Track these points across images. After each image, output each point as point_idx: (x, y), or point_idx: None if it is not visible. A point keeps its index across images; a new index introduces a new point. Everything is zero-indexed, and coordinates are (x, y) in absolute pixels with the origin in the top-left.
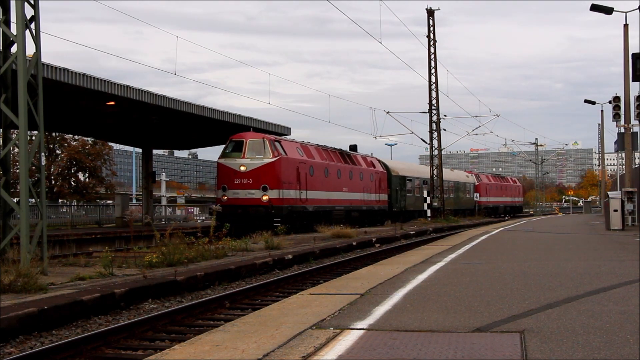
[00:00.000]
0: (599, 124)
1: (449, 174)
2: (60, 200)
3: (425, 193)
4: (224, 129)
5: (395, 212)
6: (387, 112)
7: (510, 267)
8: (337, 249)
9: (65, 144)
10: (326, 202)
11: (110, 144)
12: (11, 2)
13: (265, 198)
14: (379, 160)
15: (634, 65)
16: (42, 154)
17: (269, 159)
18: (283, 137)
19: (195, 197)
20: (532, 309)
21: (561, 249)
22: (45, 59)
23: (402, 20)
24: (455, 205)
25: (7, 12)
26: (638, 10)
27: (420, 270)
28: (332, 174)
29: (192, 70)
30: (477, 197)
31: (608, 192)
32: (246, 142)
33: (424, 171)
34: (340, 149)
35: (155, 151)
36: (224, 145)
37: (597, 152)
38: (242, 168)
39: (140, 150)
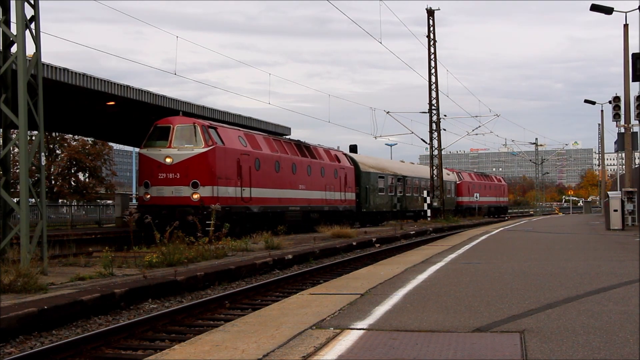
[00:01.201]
0: (599, 124)
1: (427, 171)
2: (60, 200)
3: (425, 193)
4: None
5: (365, 213)
6: (387, 112)
7: (510, 267)
8: (337, 249)
9: (65, 144)
10: (277, 202)
11: (110, 144)
12: (11, 2)
13: (195, 197)
14: (345, 154)
15: (634, 65)
16: (42, 154)
17: (200, 148)
18: (221, 124)
19: None
20: (532, 309)
21: (561, 249)
22: (45, 59)
23: (402, 20)
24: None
25: (7, 12)
26: (638, 10)
27: (420, 270)
28: (285, 168)
29: (193, 70)
30: (455, 196)
31: (608, 192)
32: (173, 129)
33: (400, 167)
34: (298, 140)
35: None
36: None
37: (597, 152)
38: (168, 160)
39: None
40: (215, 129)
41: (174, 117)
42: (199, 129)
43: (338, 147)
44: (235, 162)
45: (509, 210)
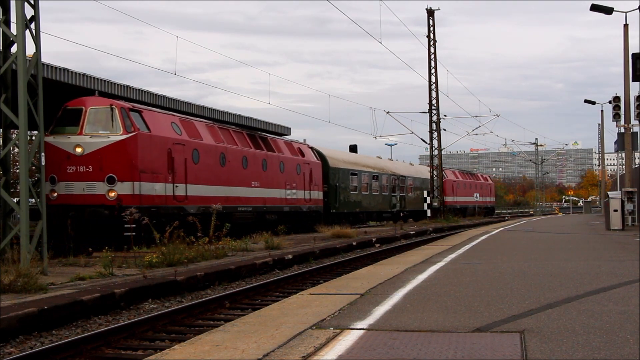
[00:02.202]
0: (599, 124)
1: (407, 169)
2: None
3: (425, 193)
4: None
5: (335, 214)
6: (387, 112)
7: (510, 267)
8: (337, 249)
9: None
10: (223, 201)
11: None
12: (11, 2)
13: (112, 194)
14: (311, 148)
15: (634, 65)
16: (42, 154)
17: (118, 135)
18: (149, 108)
19: None
20: (532, 309)
21: (561, 249)
22: (45, 59)
23: (402, 20)
24: (415, 206)
25: (7, 12)
26: (638, 10)
27: (420, 270)
28: (233, 162)
29: (193, 70)
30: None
31: (608, 192)
32: (85, 112)
33: (377, 164)
34: (253, 129)
35: None
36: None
37: (597, 152)
38: (78, 150)
39: None
40: (139, 112)
41: (88, 97)
42: (117, 111)
43: (305, 140)
44: (165, 153)
45: (508, 211)
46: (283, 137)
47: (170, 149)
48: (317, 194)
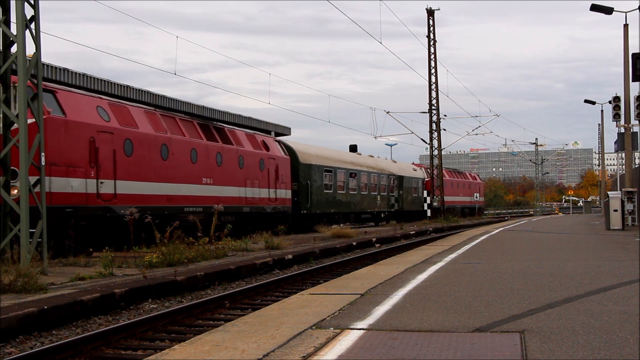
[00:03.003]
0: (599, 124)
1: (389, 166)
2: None
3: (422, 192)
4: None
5: (306, 215)
6: (387, 112)
7: (510, 267)
8: (337, 249)
9: None
10: (164, 201)
11: None
12: (11, 2)
13: (14, 192)
14: (278, 141)
15: (634, 65)
16: (42, 154)
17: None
18: (69, 88)
19: None
20: (532, 309)
21: (561, 249)
22: (45, 59)
23: (402, 20)
24: (398, 206)
25: (7, 12)
26: (638, 10)
27: (420, 270)
28: (178, 154)
29: (194, 71)
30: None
31: (608, 192)
32: None
33: (355, 160)
34: (205, 118)
35: None
36: None
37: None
38: None
39: None
40: (53, 92)
41: None
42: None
43: (272, 132)
44: (86, 142)
45: (509, 211)
46: (245, 130)
47: (93, 137)
48: (285, 193)
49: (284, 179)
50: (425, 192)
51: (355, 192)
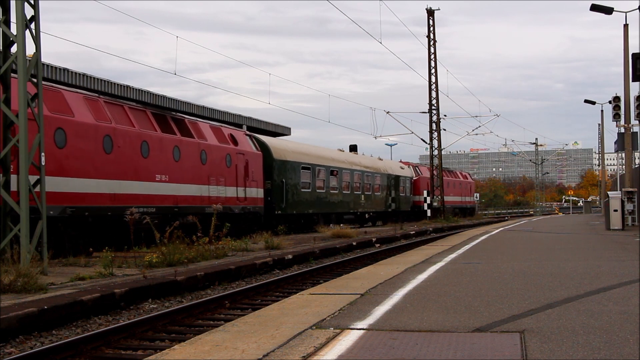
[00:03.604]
0: (599, 124)
1: (375, 164)
2: None
3: (410, 192)
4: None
5: (280, 216)
6: (387, 112)
7: (510, 267)
8: (337, 249)
9: None
10: (107, 200)
11: None
12: (11, 2)
13: None
14: (249, 135)
15: (634, 65)
16: (42, 153)
17: None
18: None
19: None
20: (532, 309)
21: (561, 249)
22: (45, 59)
23: (402, 20)
24: (384, 207)
25: (7, 12)
26: (638, 10)
27: (420, 270)
28: (125, 147)
29: (194, 70)
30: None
31: (608, 192)
32: None
33: (337, 158)
34: (158, 107)
35: None
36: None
37: (597, 152)
38: None
39: None
40: None
41: None
42: None
43: (244, 126)
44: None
45: (509, 211)
46: (210, 122)
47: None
48: (256, 192)
49: (255, 176)
50: (410, 191)
51: (337, 192)
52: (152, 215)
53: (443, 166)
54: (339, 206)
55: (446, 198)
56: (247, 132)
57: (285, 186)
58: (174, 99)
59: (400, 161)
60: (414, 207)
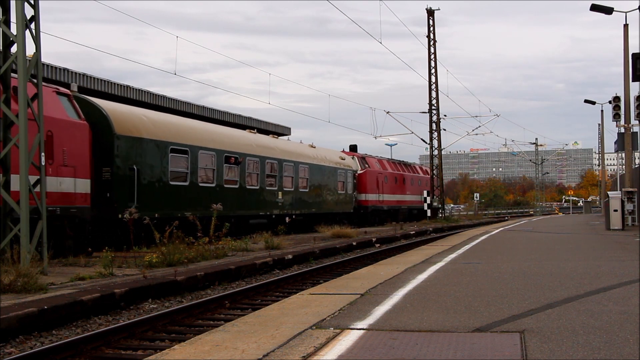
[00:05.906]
0: (599, 124)
1: (300, 149)
2: None
3: (352, 189)
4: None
5: (126, 223)
6: (387, 112)
7: (510, 267)
8: (337, 249)
9: None
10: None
11: None
12: (11, 2)
13: None
14: (67, 95)
15: (634, 65)
16: (42, 153)
17: None
18: None
19: None
20: (532, 309)
21: (561, 249)
22: (45, 59)
23: (402, 20)
24: (308, 208)
25: (7, 12)
26: (638, 10)
27: (420, 270)
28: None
29: (194, 71)
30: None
31: (608, 192)
32: None
33: (233, 139)
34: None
35: None
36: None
37: (597, 152)
38: None
39: None
40: None
41: None
42: None
43: (73, 85)
44: None
45: (509, 211)
46: None
47: None
48: (72, 184)
49: (72, 159)
50: (352, 188)
51: (237, 186)
52: None
53: (393, 159)
54: (241, 206)
55: (401, 197)
56: (60, 89)
57: (138, 176)
58: (175, 99)
59: (342, 151)
60: (359, 208)
